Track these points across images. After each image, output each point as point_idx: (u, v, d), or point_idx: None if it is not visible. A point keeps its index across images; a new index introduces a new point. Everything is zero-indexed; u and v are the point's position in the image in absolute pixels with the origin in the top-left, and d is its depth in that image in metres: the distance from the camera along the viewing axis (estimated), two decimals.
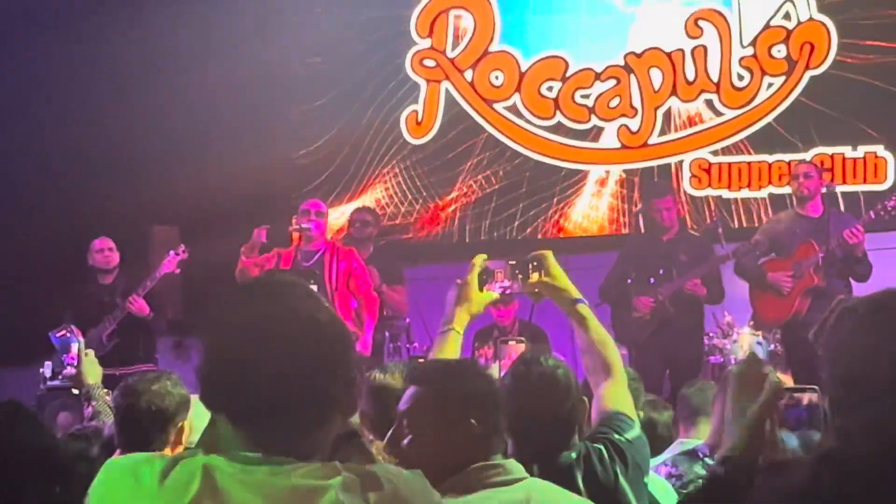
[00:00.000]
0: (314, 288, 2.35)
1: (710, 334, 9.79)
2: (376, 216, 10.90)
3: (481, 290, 4.02)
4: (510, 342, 6.52)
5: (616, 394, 3.92)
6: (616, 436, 3.77)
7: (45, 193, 11.46)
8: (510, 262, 4.06)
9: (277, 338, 2.15)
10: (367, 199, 12.18)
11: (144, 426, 4.19)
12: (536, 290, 4.06)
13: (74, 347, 8.60)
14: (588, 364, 4.04)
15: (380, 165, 12.35)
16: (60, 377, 9.21)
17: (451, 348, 3.98)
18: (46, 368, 9.50)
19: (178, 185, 11.20)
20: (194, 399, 4.14)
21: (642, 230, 10.48)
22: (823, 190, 9.35)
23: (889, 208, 9.07)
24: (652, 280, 9.50)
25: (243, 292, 2.30)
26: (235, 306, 2.22)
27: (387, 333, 9.90)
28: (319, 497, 2.12)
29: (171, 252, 9.79)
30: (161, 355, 10.33)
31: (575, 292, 4.08)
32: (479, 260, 4.06)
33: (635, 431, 3.83)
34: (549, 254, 4.10)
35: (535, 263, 4.02)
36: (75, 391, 6.56)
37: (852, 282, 9.06)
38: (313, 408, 2.18)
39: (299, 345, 2.16)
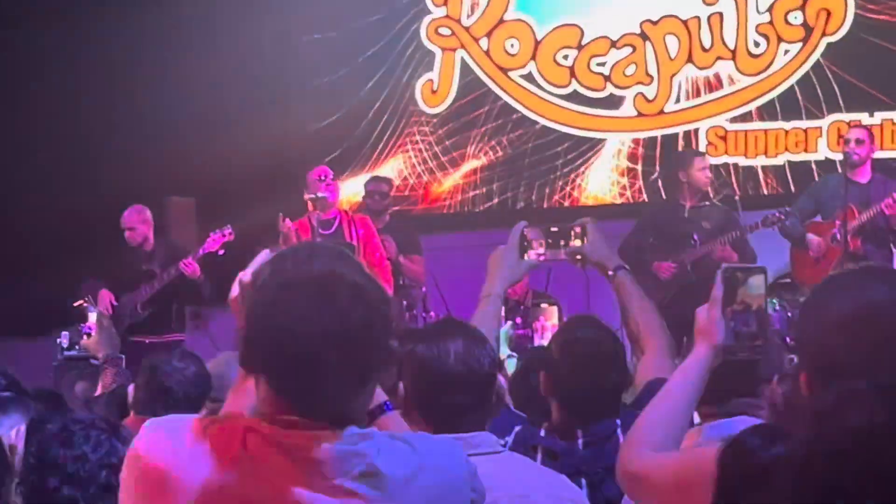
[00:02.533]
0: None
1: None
2: (392, 186, 10.89)
3: (522, 257, 4.01)
4: (542, 305, 6.56)
5: (656, 362, 3.92)
6: None
7: (59, 165, 11.45)
8: (552, 229, 4.04)
9: (319, 300, 2.15)
10: (385, 170, 12.14)
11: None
12: (579, 256, 4.04)
13: (92, 316, 8.63)
14: (631, 331, 4.04)
15: (396, 136, 12.32)
16: (77, 347, 9.22)
17: (490, 314, 3.96)
18: (63, 338, 9.50)
19: (194, 157, 11.20)
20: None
21: (660, 197, 10.45)
22: (840, 156, 9.34)
23: None
24: (672, 250, 9.47)
25: (285, 256, 2.30)
26: (277, 268, 2.23)
27: (404, 302, 9.89)
28: (356, 463, 2.14)
29: (218, 231, 9.61)
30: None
31: (616, 259, 4.08)
32: (519, 227, 4.05)
33: None
34: (592, 221, 4.10)
35: (577, 230, 4.01)
36: (94, 360, 6.58)
37: (894, 250, 9.04)
38: (353, 373, 2.18)
39: (341, 308, 2.15)
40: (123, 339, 8.74)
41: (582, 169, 11.97)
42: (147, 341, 9.47)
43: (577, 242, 4.00)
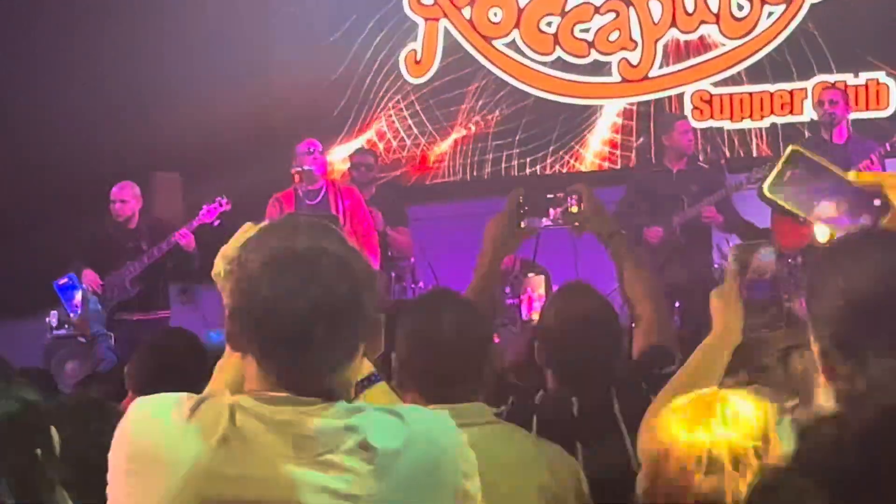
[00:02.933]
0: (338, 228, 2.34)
1: (718, 265, 9.75)
2: (377, 158, 10.88)
3: (519, 225, 4.02)
4: (530, 274, 6.56)
5: (653, 328, 3.92)
6: (656, 369, 3.77)
7: (42, 140, 11.38)
8: (549, 196, 4.05)
9: (305, 275, 2.14)
10: (369, 140, 12.13)
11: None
12: (577, 223, 4.06)
13: (78, 295, 8.61)
14: (628, 296, 4.05)
15: (380, 108, 12.30)
16: (66, 326, 9.21)
17: (488, 277, 4.04)
18: (52, 318, 9.49)
19: (177, 131, 11.15)
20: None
21: (648, 163, 10.44)
22: (850, 116, 9.35)
23: None
24: (659, 213, 9.47)
25: (268, 230, 2.28)
26: (261, 243, 2.21)
27: (392, 274, 9.89)
28: (346, 437, 2.13)
29: (217, 201, 9.56)
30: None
31: (614, 224, 4.09)
32: (516, 195, 4.05)
33: (675, 365, 3.82)
34: (588, 187, 4.11)
35: (575, 197, 4.02)
36: (81, 339, 6.58)
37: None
38: (340, 347, 2.18)
39: (327, 282, 2.14)
40: (111, 317, 8.74)
41: (569, 135, 11.94)
42: (135, 318, 9.45)
43: (574, 209, 4.01)
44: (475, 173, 12.19)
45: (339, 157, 11.58)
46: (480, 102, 12.14)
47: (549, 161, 11.97)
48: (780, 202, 2.35)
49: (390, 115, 12.30)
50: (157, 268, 9.60)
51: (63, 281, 9.06)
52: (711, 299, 2.80)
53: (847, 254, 2.13)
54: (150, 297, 9.66)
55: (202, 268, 9.57)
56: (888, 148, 9.08)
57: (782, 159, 2.36)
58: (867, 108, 10.95)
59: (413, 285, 9.99)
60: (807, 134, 10.77)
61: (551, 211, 4.03)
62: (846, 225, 2.29)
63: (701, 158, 10.65)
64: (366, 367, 2.44)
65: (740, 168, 9.93)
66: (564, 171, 11.89)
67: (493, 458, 2.25)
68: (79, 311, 7.56)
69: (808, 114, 10.97)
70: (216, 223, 9.48)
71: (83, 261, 9.62)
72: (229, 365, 2.43)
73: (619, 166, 11.73)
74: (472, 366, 3.10)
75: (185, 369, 4.24)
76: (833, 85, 10.52)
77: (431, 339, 3.03)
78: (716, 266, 9.48)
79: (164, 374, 4.25)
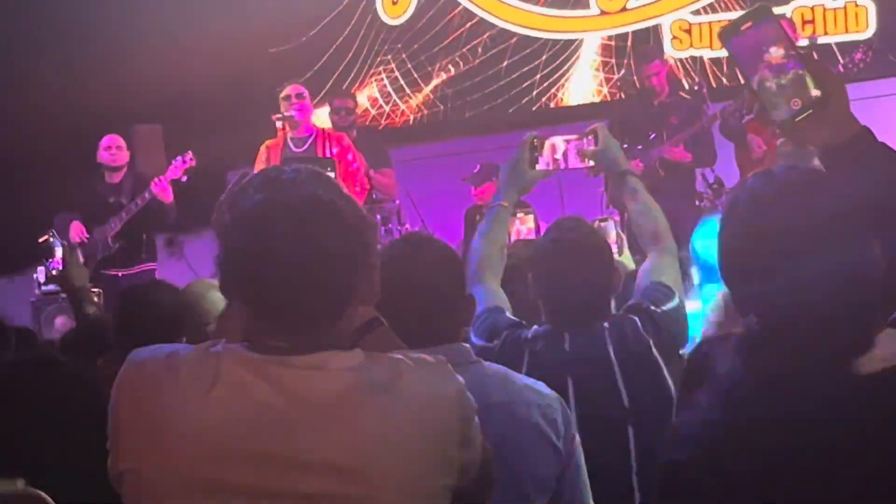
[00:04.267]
0: (331, 175, 2.32)
1: (703, 198, 9.71)
2: (356, 102, 10.84)
3: (533, 167, 4.05)
4: (519, 213, 6.54)
5: (661, 265, 3.94)
6: (653, 307, 3.77)
7: (20, 94, 11.31)
8: (566, 139, 4.08)
9: (297, 221, 2.13)
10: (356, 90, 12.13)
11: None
12: (591, 163, 4.10)
13: (58, 252, 8.60)
14: (636, 235, 4.08)
15: (364, 56, 12.25)
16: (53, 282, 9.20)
17: (499, 223, 4.06)
18: (40, 273, 9.48)
19: (158, 83, 11.09)
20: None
21: (634, 95, 10.41)
22: (805, 42, 9.27)
23: (857, 60, 9.02)
24: (639, 147, 9.42)
25: (259, 178, 2.25)
26: (255, 190, 2.19)
27: (378, 217, 9.86)
28: (344, 386, 2.14)
29: (179, 158, 9.53)
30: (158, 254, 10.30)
31: (625, 163, 4.13)
32: (529, 137, 4.08)
33: (674, 303, 3.83)
34: (604, 127, 4.15)
35: (590, 137, 4.06)
36: (64, 295, 6.56)
37: None
38: (334, 295, 2.17)
39: (318, 230, 2.13)
40: (96, 273, 8.72)
41: (552, 70, 11.90)
42: (120, 274, 9.45)
43: (590, 150, 4.05)
44: (456, 113, 12.16)
45: (322, 112, 11.52)
46: (457, 41, 12.09)
47: (533, 95, 11.93)
48: (728, 52, 2.34)
49: (377, 64, 12.27)
50: (137, 222, 9.57)
51: (43, 238, 9.05)
52: None
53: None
54: (133, 252, 9.63)
55: (179, 220, 9.60)
56: (841, 70, 9.02)
57: (748, 10, 2.35)
58: (847, 31, 10.93)
59: (399, 227, 9.98)
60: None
61: (562, 151, 4.08)
62: (778, 101, 2.27)
63: (685, 87, 10.62)
64: (367, 312, 2.43)
65: (724, 97, 9.86)
66: (553, 105, 11.86)
67: (475, 398, 2.25)
68: (59, 268, 7.54)
69: None
70: (184, 179, 9.46)
71: (73, 214, 9.61)
72: (230, 313, 2.42)
73: (608, 98, 11.69)
74: (448, 305, 3.10)
75: (161, 325, 4.23)
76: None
77: (409, 278, 3.03)
78: (703, 198, 9.41)
79: (138, 332, 4.23)
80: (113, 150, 9.72)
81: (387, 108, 12.34)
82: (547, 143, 4.09)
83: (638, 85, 10.06)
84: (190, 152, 9.49)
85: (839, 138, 2.20)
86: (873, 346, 1.94)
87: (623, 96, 11.35)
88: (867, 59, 9.02)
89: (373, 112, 12.30)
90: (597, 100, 11.77)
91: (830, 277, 1.94)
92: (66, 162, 10.09)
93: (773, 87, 2.25)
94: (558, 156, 4.10)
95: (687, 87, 10.67)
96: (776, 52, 2.26)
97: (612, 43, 11.70)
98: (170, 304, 4.38)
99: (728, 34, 2.29)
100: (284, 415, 2.11)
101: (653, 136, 9.49)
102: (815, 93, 2.23)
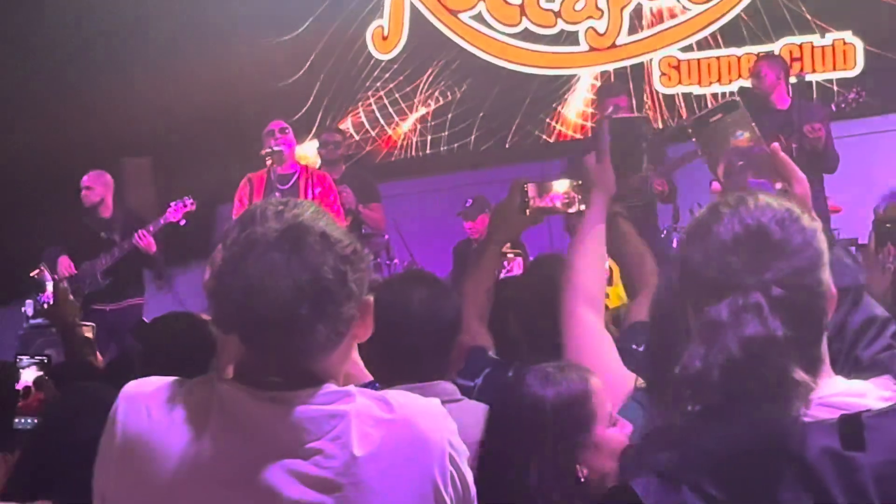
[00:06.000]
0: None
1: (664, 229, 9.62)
2: (345, 137, 10.88)
3: (523, 211, 4.08)
4: (509, 254, 6.57)
5: (645, 307, 3.95)
6: (633, 346, 3.79)
7: (11, 128, 11.31)
8: (553, 182, 4.11)
9: (290, 254, 2.11)
10: (346, 124, 12.17)
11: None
12: (582, 207, 4.12)
13: (49, 286, 8.59)
14: (622, 276, 4.10)
15: (353, 91, 12.30)
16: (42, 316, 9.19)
17: (486, 265, 4.08)
18: (28, 307, 9.47)
19: (149, 117, 11.12)
20: None
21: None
22: (793, 80, 9.31)
23: (850, 100, 9.06)
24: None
25: (253, 210, 2.23)
26: (246, 223, 2.18)
27: (366, 251, 9.87)
28: (333, 424, 2.13)
29: (179, 202, 9.45)
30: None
31: (615, 206, 4.14)
32: (521, 182, 4.10)
33: None
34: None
35: (580, 182, 4.08)
36: (52, 328, 6.56)
37: (825, 175, 9.00)
38: (325, 328, 2.14)
39: (311, 262, 2.12)
40: (83, 307, 8.71)
41: (540, 107, 11.94)
42: (108, 308, 9.42)
43: (578, 193, 4.06)
44: (443, 148, 12.19)
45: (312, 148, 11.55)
46: (446, 77, 12.14)
47: (521, 132, 11.97)
48: (696, 141, 2.38)
49: (367, 97, 12.30)
50: (127, 259, 9.56)
51: (35, 272, 9.06)
52: (586, 167, 2.86)
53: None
54: (120, 287, 9.61)
55: (163, 272, 9.61)
56: (833, 109, 9.07)
57: (720, 104, 2.39)
58: (835, 69, 10.98)
59: (388, 262, 10.00)
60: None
61: (553, 196, 4.09)
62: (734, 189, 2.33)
63: (669, 124, 10.68)
64: (365, 374, 2.42)
65: None
66: (539, 142, 11.88)
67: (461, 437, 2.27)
68: (50, 302, 7.54)
69: None
70: (182, 223, 9.45)
71: (61, 248, 9.58)
72: (228, 344, 2.41)
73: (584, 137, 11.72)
74: (440, 344, 3.12)
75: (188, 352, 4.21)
76: (763, 55, 10.44)
77: (401, 313, 3.05)
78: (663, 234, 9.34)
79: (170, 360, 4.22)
80: (83, 192, 9.67)
81: (374, 133, 12.37)
82: (538, 187, 4.11)
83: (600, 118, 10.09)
84: (190, 197, 9.47)
85: None
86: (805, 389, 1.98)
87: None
88: (860, 99, 9.07)
89: (357, 138, 12.31)
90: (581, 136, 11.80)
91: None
92: (55, 194, 10.07)
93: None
94: (549, 202, 4.12)
95: (669, 123, 10.71)
96: (742, 136, 2.32)
97: (598, 82, 11.73)
98: (193, 335, 4.37)
99: (698, 125, 2.35)
100: (274, 449, 2.11)
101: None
102: (778, 185, 2.33)
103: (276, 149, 8.97)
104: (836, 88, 10.47)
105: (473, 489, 2.27)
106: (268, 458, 2.11)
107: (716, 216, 2.09)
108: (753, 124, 2.34)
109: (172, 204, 9.45)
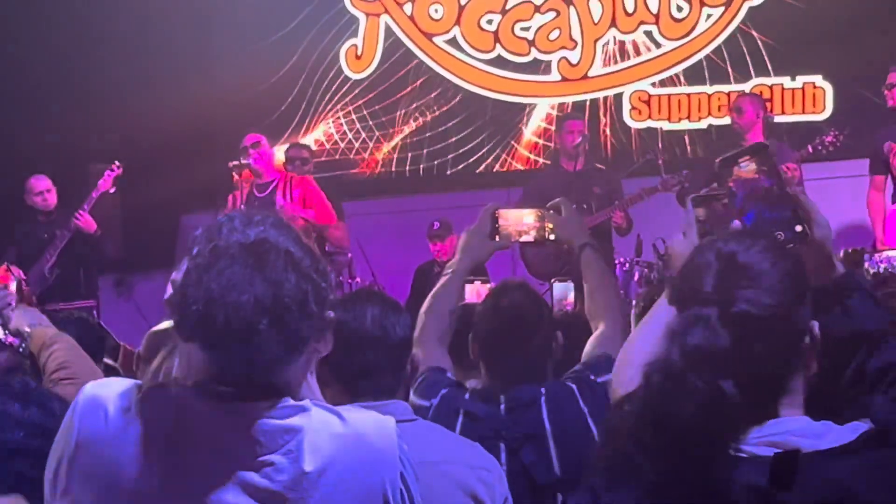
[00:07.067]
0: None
1: (654, 268, 9.66)
2: (312, 153, 10.88)
3: (493, 238, 4.10)
4: (476, 282, 6.57)
5: (607, 338, 3.96)
6: (592, 376, 3.79)
7: None
8: (524, 210, 4.16)
9: (252, 268, 2.12)
10: (314, 137, 12.14)
11: None
12: (552, 236, 4.15)
13: (13, 286, 8.52)
14: (589, 307, 4.10)
15: (323, 105, 12.28)
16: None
17: (450, 289, 4.10)
18: None
19: (117, 124, 11.07)
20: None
21: (550, 164, 10.46)
22: (774, 119, 9.38)
23: (826, 143, 9.14)
24: (583, 211, 9.38)
25: (220, 223, 2.24)
26: (211, 235, 2.18)
27: (329, 269, 9.83)
28: (288, 438, 2.13)
29: (107, 170, 9.59)
30: (102, 292, 10.25)
31: (585, 236, 4.17)
32: (491, 209, 4.13)
33: (612, 374, 3.84)
34: (566, 201, 4.23)
35: (551, 211, 4.12)
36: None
37: None
38: (286, 342, 2.15)
39: (273, 276, 2.13)
40: (39, 307, 8.66)
41: (508, 134, 11.97)
42: (59, 308, 9.37)
43: (550, 223, 4.11)
44: (411, 168, 12.19)
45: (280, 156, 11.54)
46: (418, 99, 12.15)
47: (489, 158, 11.98)
48: (719, 180, 2.45)
49: (337, 112, 12.29)
50: (72, 253, 9.56)
51: None
52: (672, 251, 2.75)
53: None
54: (70, 286, 9.60)
55: (121, 254, 9.56)
56: (810, 150, 9.14)
57: (749, 146, 2.48)
58: (804, 112, 11.06)
59: (350, 280, 9.98)
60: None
61: (523, 224, 4.14)
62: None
63: (637, 158, 10.71)
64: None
65: (678, 169, 9.91)
66: (501, 169, 11.90)
67: (413, 456, 2.26)
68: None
69: None
70: (112, 190, 9.46)
71: (11, 259, 9.55)
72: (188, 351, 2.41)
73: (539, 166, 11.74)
74: (393, 361, 3.12)
75: None
76: (744, 92, 10.56)
77: (354, 330, 3.05)
78: (617, 268, 9.31)
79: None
80: (44, 195, 9.67)
81: (342, 145, 12.35)
82: (509, 214, 4.15)
83: (555, 146, 10.09)
84: (116, 161, 9.54)
85: (821, 279, 2.36)
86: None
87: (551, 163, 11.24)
88: (837, 143, 9.13)
89: (328, 146, 12.30)
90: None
91: None
92: (13, 201, 10.00)
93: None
94: (520, 229, 4.16)
95: (637, 157, 10.76)
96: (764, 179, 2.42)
97: (556, 112, 11.77)
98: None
99: (725, 165, 2.44)
100: (227, 461, 2.11)
101: (585, 206, 9.35)
102: (798, 228, 2.39)
103: (244, 162, 8.99)
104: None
105: None
106: (220, 469, 2.11)
107: (709, 247, 2.19)
108: (778, 168, 2.41)
109: (104, 174, 9.49)
